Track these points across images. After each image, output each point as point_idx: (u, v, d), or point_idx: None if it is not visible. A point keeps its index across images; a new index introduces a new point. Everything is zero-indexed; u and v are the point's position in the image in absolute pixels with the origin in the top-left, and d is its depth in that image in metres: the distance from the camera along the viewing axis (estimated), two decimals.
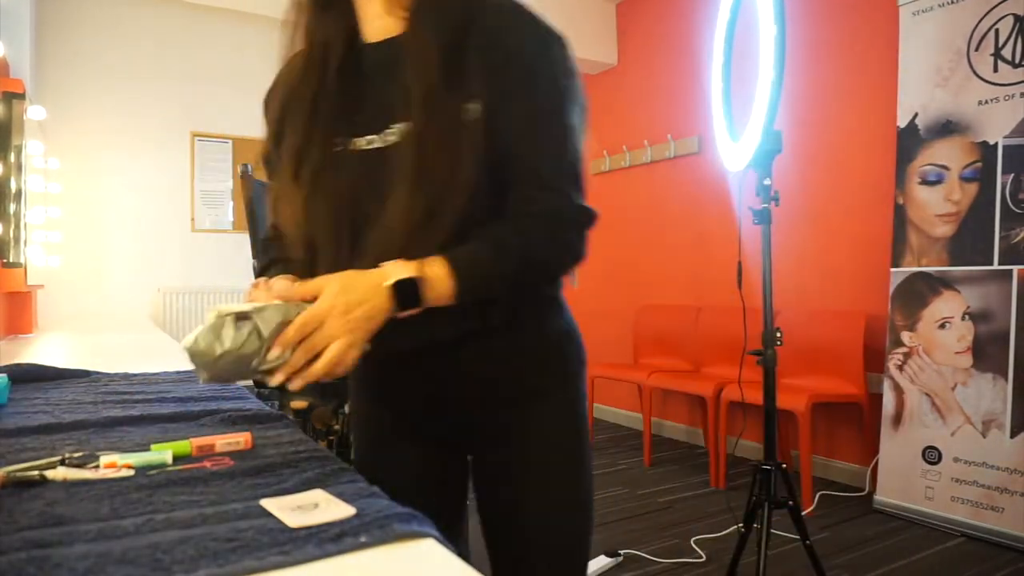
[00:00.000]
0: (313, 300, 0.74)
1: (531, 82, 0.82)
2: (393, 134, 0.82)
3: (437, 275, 0.76)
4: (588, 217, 0.87)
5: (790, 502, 1.95)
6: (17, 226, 2.47)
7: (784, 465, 1.99)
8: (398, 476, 0.93)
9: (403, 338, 0.80)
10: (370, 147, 0.83)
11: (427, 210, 0.78)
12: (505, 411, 0.91)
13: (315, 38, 0.87)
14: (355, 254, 0.81)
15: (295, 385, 0.73)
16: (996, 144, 2.61)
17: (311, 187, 0.84)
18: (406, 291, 0.74)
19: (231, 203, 4.55)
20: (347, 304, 0.72)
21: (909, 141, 2.89)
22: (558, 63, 0.84)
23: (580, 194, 0.86)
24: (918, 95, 2.86)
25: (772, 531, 2.12)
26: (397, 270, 0.75)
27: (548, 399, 0.92)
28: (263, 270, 0.93)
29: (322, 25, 0.87)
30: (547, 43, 0.84)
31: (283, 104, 0.91)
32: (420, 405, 0.94)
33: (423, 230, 0.78)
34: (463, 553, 0.98)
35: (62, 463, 0.73)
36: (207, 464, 0.74)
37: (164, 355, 1.90)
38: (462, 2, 0.82)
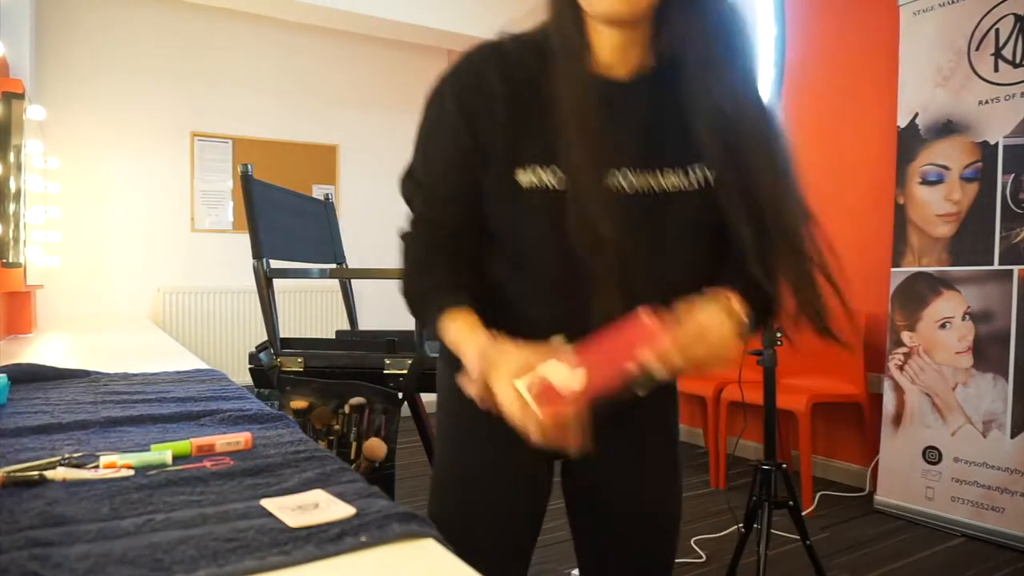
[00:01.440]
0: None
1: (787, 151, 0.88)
2: (671, 179, 0.82)
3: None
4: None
5: (790, 502, 1.95)
6: (17, 226, 2.46)
7: (784, 465, 1.99)
8: (495, 477, 0.94)
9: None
10: (639, 189, 0.82)
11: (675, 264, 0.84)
12: (624, 425, 0.93)
13: (568, 57, 0.80)
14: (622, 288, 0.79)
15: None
16: (996, 144, 2.61)
17: (585, 219, 0.77)
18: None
19: (231, 203, 4.55)
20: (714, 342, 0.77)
21: (909, 141, 2.89)
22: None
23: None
24: (918, 95, 2.86)
25: (772, 531, 2.12)
26: (734, 314, 0.80)
27: (658, 419, 0.97)
28: (439, 288, 0.85)
29: (572, 41, 0.81)
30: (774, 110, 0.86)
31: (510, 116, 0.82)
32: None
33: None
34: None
35: (62, 463, 0.73)
36: (207, 464, 0.74)
37: (164, 355, 1.90)
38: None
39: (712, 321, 0.77)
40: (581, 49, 0.79)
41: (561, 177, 0.80)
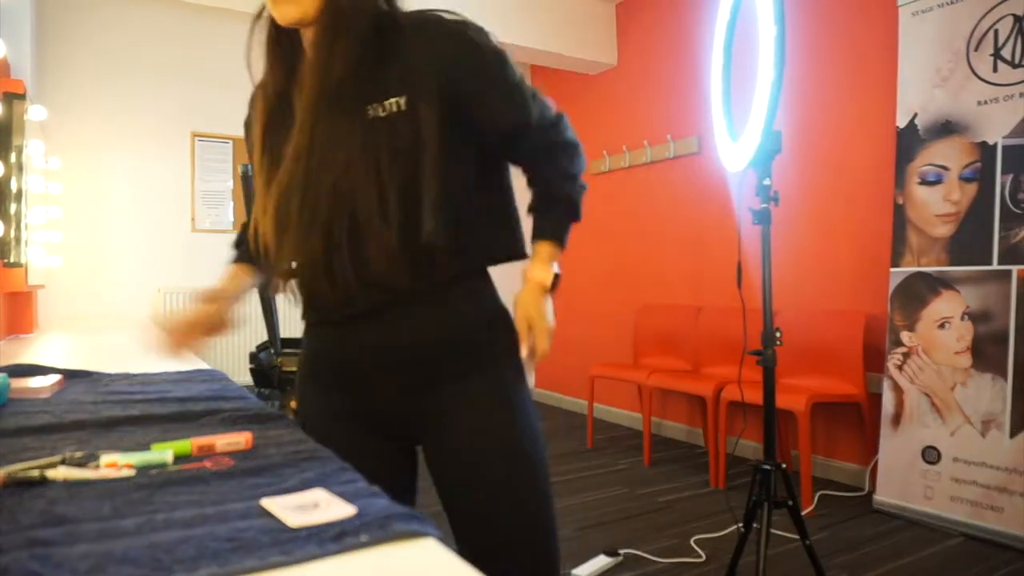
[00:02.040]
0: None
1: (493, 71, 1.00)
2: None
3: (554, 255, 1.05)
4: (566, 125, 1.07)
5: (790, 502, 1.95)
6: (18, 226, 2.47)
7: (784, 465, 1.99)
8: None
9: (359, 297, 0.95)
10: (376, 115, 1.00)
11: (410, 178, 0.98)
12: (441, 388, 0.98)
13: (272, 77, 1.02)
14: None
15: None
16: (995, 144, 2.61)
17: None
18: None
19: (231, 203, 4.55)
20: (542, 312, 1.01)
21: (909, 141, 2.89)
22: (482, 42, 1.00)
23: (551, 113, 1.04)
24: (918, 95, 2.86)
25: (772, 531, 2.12)
26: (541, 272, 1.03)
27: (482, 373, 1.00)
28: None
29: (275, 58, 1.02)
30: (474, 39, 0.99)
31: None
32: (368, 383, 1.00)
33: None
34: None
35: (62, 463, 0.73)
36: (207, 464, 0.74)
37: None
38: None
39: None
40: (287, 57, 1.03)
41: None
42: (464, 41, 0.95)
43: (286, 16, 0.93)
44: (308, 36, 0.98)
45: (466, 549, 0.98)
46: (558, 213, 1.06)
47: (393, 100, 0.92)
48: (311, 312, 1.05)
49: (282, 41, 1.00)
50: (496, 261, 1.03)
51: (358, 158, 0.90)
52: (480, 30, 0.98)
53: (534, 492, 0.99)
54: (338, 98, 0.92)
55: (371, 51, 0.94)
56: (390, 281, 0.93)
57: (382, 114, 0.92)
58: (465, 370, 0.99)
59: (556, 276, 1.04)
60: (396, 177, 0.91)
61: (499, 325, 1.03)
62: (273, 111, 1.00)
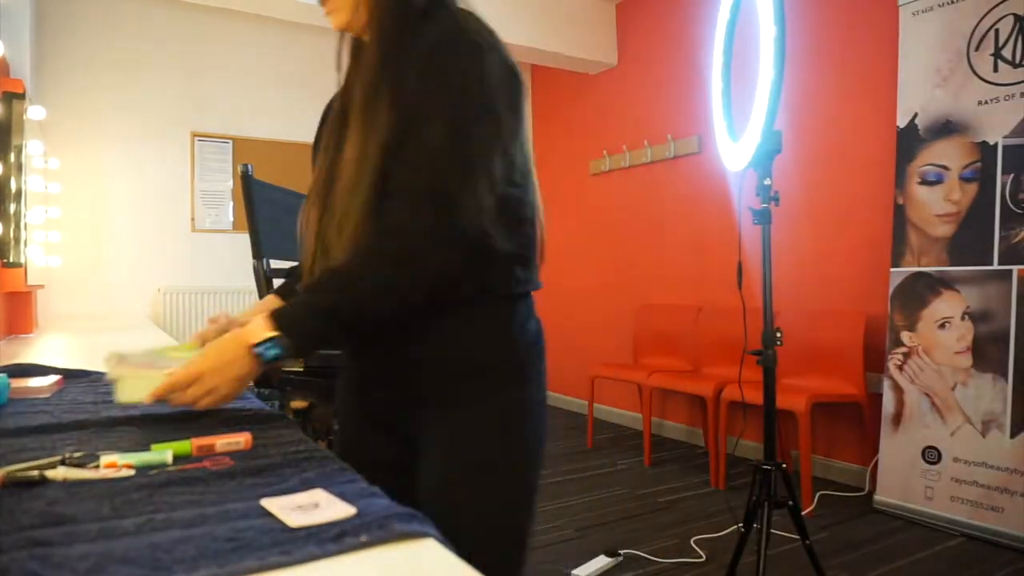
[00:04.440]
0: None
1: (427, 111, 0.87)
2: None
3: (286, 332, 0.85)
4: (441, 238, 0.85)
5: (790, 502, 1.95)
6: (17, 226, 2.46)
7: (784, 465, 1.99)
8: (368, 462, 0.94)
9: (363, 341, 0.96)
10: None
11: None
12: (428, 413, 0.95)
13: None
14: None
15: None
16: (996, 144, 2.61)
17: None
18: (268, 352, 0.84)
19: (231, 203, 4.55)
20: (214, 364, 0.86)
21: (909, 141, 2.89)
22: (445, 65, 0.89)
23: (444, 211, 0.84)
24: (918, 95, 2.86)
25: (772, 531, 2.12)
26: (256, 327, 0.85)
27: (467, 408, 0.93)
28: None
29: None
30: (441, 51, 0.88)
31: None
32: (377, 395, 1.02)
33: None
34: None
35: (62, 463, 0.73)
36: (207, 464, 0.74)
37: None
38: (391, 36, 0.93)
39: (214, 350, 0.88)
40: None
41: None
42: (440, 61, 0.87)
43: (336, 24, 0.97)
44: None
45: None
46: (326, 306, 0.85)
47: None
48: None
49: (355, 53, 1.01)
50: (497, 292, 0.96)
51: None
52: (482, 59, 0.87)
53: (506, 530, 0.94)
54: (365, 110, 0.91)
55: (396, 58, 0.90)
56: None
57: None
58: (457, 395, 0.94)
59: (273, 350, 0.85)
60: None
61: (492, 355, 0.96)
62: (328, 122, 1.03)
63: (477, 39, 0.89)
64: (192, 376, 0.86)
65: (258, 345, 0.84)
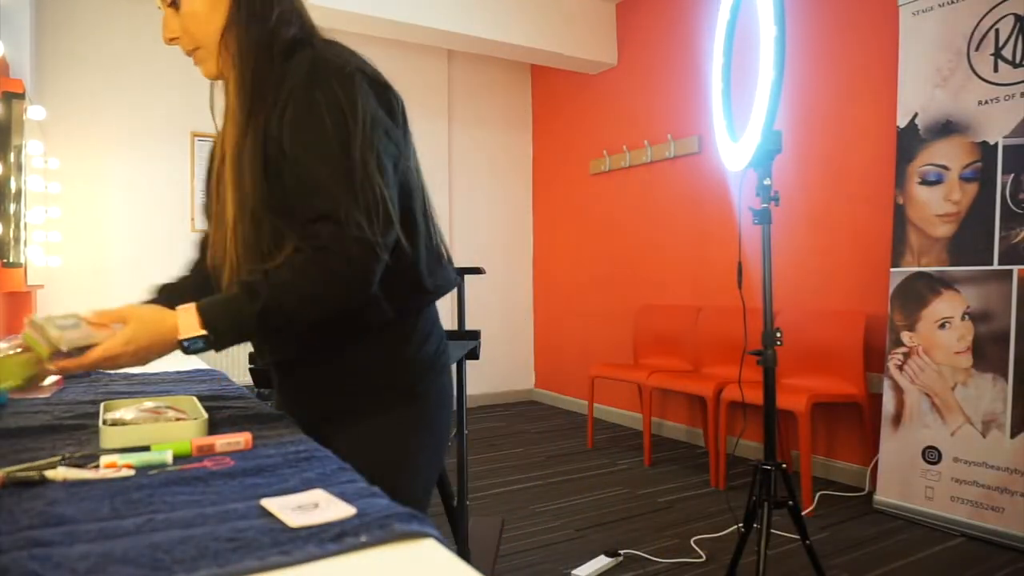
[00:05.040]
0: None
1: (311, 136, 0.92)
2: None
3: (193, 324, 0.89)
4: (364, 250, 0.89)
5: (790, 502, 1.95)
6: (17, 226, 2.47)
7: (784, 465, 1.99)
8: None
9: (271, 353, 1.06)
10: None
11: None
12: (328, 426, 1.03)
13: None
14: None
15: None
16: (996, 144, 2.61)
17: None
18: (193, 346, 0.88)
19: None
20: (138, 347, 0.87)
21: (909, 141, 2.89)
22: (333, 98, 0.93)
23: (366, 225, 0.89)
24: (918, 95, 2.86)
25: (772, 531, 2.12)
26: (187, 322, 0.88)
27: (364, 420, 1.03)
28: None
29: None
30: (319, 80, 0.93)
31: None
32: (291, 406, 1.10)
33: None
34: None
35: (62, 463, 0.73)
36: (207, 464, 0.74)
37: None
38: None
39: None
40: None
41: None
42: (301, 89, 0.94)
43: (206, 74, 1.06)
44: None
45: None
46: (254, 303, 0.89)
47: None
48: None
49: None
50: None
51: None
52: (352, 83, 0.93)
53: None
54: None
55: (261, 100, 0.97)
56: None
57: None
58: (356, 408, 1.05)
59: (197, 344, 0.88)
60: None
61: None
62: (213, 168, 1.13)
63: (341, 64, 0.94)
64: (122, 348, 0.87)
65: (186, 340, 0.88)
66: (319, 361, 1.03)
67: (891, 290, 2.91)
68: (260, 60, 0.98)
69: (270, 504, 0.61)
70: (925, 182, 2.83)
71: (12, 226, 2.39)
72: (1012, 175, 2.56)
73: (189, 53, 1.03)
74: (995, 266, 2.59)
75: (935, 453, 2.71)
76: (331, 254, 0.88)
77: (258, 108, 0.96)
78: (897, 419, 2.84)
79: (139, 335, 0.87)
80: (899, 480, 2.81)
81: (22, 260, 2.54)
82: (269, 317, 0.88)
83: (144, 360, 0.89)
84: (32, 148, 2.75)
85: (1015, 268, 2.53)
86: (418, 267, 1.02)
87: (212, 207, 1.08)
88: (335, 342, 1.01)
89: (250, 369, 1.83)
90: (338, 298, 0.91)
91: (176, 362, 1.65)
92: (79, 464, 0.73)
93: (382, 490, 0.89)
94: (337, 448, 0.92)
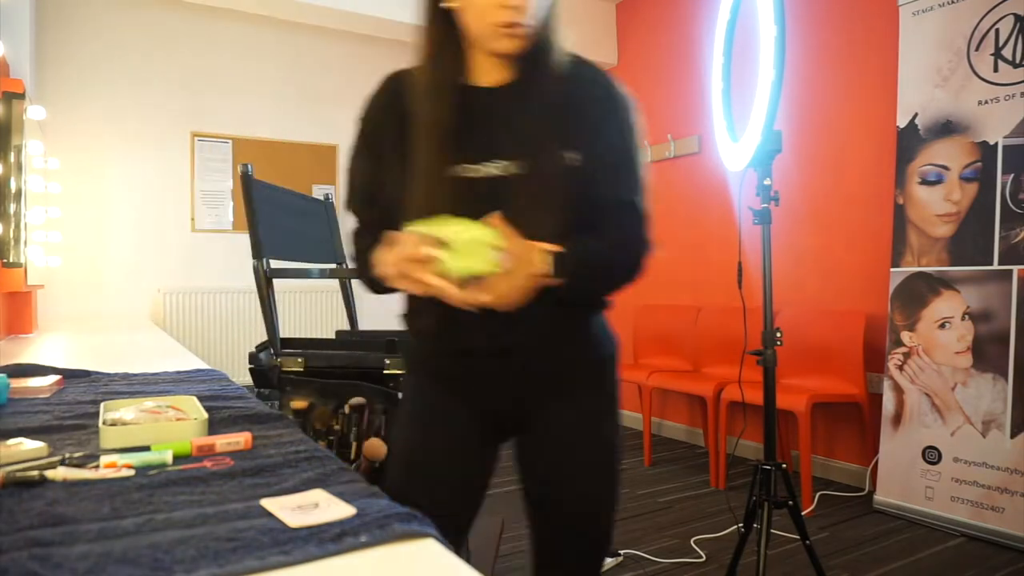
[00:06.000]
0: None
1: (620, 137, 1.03)
2: (497, 168, 0.98)
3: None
4: (650, 242, 1.09)
5: (790, 502, 1.95)
6: (17, 226, 2.46)
7: (784, 465, 1.99)
8: (442, 459, 1.07)
9: (492, 338, 1.00)
10: (478, 176, 0.98)
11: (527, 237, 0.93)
12: (556, 400, 1.05)
13: (436, 74, 1.01)
14: None
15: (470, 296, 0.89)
16: (996, 144, 2.61)
17: (429, 200, 0.96)
18: (560, 261, 0.93)
19: (231, 203, 4.55)
20: (532, 256, 0.91)
21: (909, 141, 2.89)
22: (633, 121, 1.06)
23: (648, 223, 1.08)
24: (918, 95, 2.86)
25: (772, 531, 2.12)
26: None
27: (592, 390, 1.08)
28: (371, 247, 1.02)
29: (442, 64, 1.01)
30: (627, 107, 1.06)
31: (401, 124, 1.03)
32: (489, 396, 1.06)
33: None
34: (459, 543, 1.04)
35: (62, 463, 0.73)
36: (207, 464, 0.74)
37: (164, 355, 1.90)
38: (563, 69, 1.02)
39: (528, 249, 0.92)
40: (454, 70, 1.01)
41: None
42: None
43: (507, 49, 0.99)
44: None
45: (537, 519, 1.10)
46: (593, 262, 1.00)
47: None
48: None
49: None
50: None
51: None
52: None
53: (610, 493, 1.09)
54: None
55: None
56: None
57: None
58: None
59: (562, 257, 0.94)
60: None
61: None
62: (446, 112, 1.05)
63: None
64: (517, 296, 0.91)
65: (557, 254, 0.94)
66: (563, 338, 1.05)
67: (891, 290, 2.91)
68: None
69: (270, 504, 0.61)
70: (925, 182, 2.83)
71: (12, 226, 2.39)
72: (1012, 175, 2.56)
73: (521, 30, 0.97)
74: (995, 266, 2.59)
75: (935, 453, 2.71)
76: (641, 243, 1.07)
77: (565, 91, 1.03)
78: (897, 419, 2.84)
79: (522, 266, 0.91)
80: (899, 480, 2.81)
81: (22, 260, 2.54)
82: (597, 277, 1.03)
83: (530, 280, 0.92)
84: (32, 148, 2.75)
85: (1015, 268, 2.53)
86: None
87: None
88: (583, 317, 1.08)
89: (250, 369, 1.83)
90: (637, 274, 1.09)
91: (177, 362, 1.65)
92: (79, 464, 0.73)
93: (613, 465, 1.08)
94: (563, 419, 1.04)
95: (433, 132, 0.98)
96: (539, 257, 0.92)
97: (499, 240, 0.88)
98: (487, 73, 1.02)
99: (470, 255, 0.87)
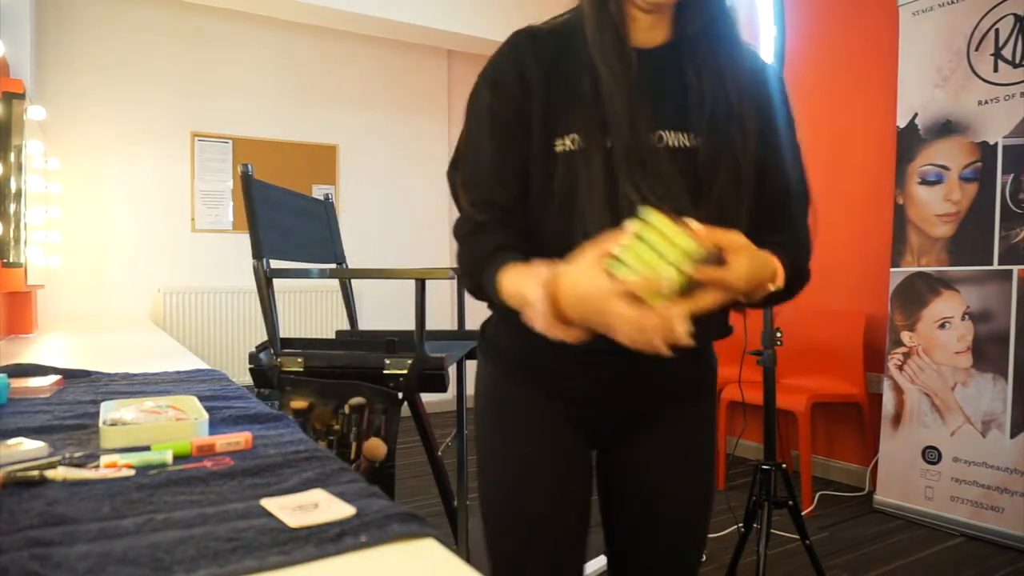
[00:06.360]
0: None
1: (788, 119, 0.99)
2: (687, 139, 0.87)
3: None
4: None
5: (790, 502, 1.95)
6: (17, 226, 2.46)
7: (784, 465, 1.99)
8: (534, 470, 0.97)
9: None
10: (675, 146, 0.87)
11: (718, 219, 0.77)
12: (669, 408, 0.99)
13: (606, 31, 0.86)
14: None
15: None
16: (996, 144, 2.61)
17: (632, 178, 0.82)
18: (791, 284, 0.87)
19: (231, 203, 4.55)
20: (764, 267, 0.80)
21: (909, 141, 2.89)
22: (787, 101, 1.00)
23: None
24: (918, 95, 2.86)
25: (772, 531, 2.12)
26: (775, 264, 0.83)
27: (700, 402, 1.02)
28: (494, 252, 0.85)
29: (607, 18, 0.85)
30: (783, 82, 1.02)
31: (546, 92, 0.88)
32: (599, 400, 0.96)
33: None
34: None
35: (62, 463, 0.73)
36: (207, 464, 0.74)
37: (164, 355, 1.90)
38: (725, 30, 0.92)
39: (762, 255, 0.80)
40: (623, 28, 0.86)
41: (577, 139, 0.86)
42: None
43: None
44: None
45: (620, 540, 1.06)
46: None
47: None
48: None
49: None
50: None
51: None
52: None
53: (704, 516, 1.04)
54: None
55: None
56: None
57: None
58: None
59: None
60: None
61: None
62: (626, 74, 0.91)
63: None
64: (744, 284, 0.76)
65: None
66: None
67: (891, 290, 2.91)
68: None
69: (270, 504, 0.61)
70: (925, 182, 2.83)
71: (12, 226, 2.39)
72: (1012, 175, 2.56)
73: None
74: (995, 266, 2.59)
75: (935, 453, 2.71)
76: (808, 249, 0.97)
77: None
78: (897, 419, 2.84)
79: (758, 273, 0.78)
80: (899, 480, 2.81)
81: (22, 260, 2.54)
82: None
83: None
84: (32, 148, 2.75)
85: (1015, 268, 2.53)
86: None
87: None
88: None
89: (250, 369, 1.83)
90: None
91: (177, 362, 1.65)
92: (79, 464, 0.73)
93: (705, 467, 1.02)
94: (674, 430, 0.98)
95: (625, 94, 0.82)
96: (771, 270, 0.81)
97: (696, 243, 0.69)
98: (643, 31, 0.89)
99: (678, 264, 0.68)
